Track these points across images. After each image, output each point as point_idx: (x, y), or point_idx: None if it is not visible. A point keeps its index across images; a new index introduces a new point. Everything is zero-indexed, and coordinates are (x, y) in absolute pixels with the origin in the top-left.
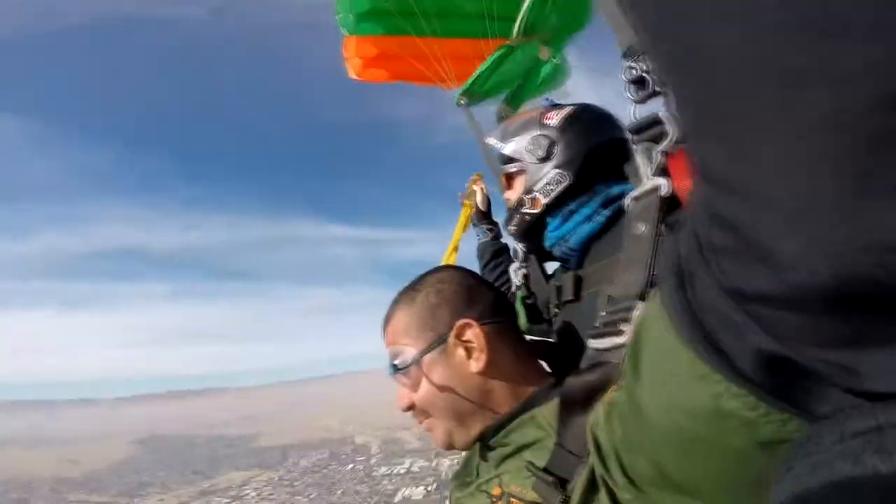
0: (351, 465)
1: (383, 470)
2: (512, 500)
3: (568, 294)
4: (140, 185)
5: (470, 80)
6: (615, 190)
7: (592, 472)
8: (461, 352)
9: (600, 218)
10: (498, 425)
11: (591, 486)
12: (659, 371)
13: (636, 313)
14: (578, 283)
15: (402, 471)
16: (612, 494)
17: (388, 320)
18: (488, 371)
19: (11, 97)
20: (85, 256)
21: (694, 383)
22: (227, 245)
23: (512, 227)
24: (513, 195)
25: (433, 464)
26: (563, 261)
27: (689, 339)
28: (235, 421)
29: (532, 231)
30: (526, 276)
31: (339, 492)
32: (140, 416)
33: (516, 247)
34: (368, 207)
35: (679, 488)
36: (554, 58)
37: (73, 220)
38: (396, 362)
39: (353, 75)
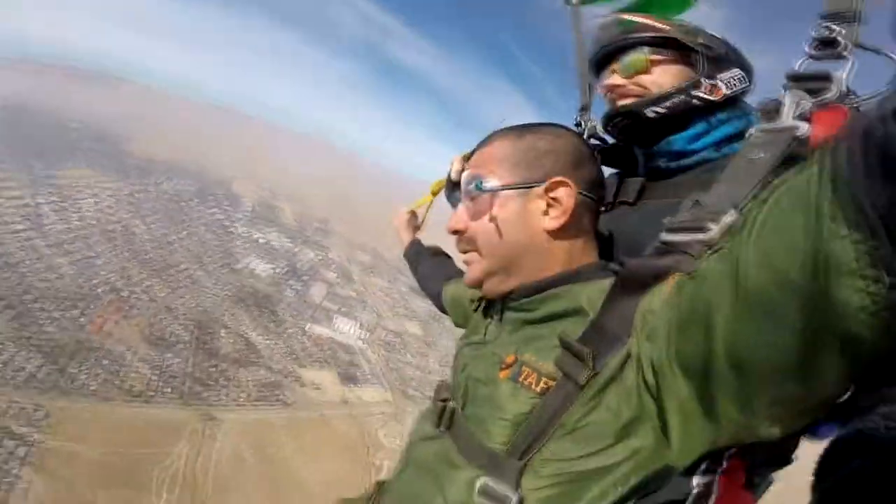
0: (213, 210)
1: (243, 230)
2: (524, 368)
3: (630, 196)
4: None
5: None
6: (753, 119)
7: (628, 352)
8: (541, 204)
9: (727, 150)
10: (533, 287)
11: (624, 365)
12: (783, 221)
13: (730, 216)
14: (642, 191)
15: (261, 239)
16: (640, 372)
17: (484, 144)
18: (557, 233)
19: None
20: None
21: (819, 222)
22: None
23: (662, 109)
24: (663, 79)
25: (297, 249)
26: (656, 170)
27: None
28: (119, 116)
29: (673, 123)
30: None
31: (185, 232)
32: (15, 83)
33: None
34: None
35: (721, 371)
36: None
37: None
38: (474, 184)
39: None
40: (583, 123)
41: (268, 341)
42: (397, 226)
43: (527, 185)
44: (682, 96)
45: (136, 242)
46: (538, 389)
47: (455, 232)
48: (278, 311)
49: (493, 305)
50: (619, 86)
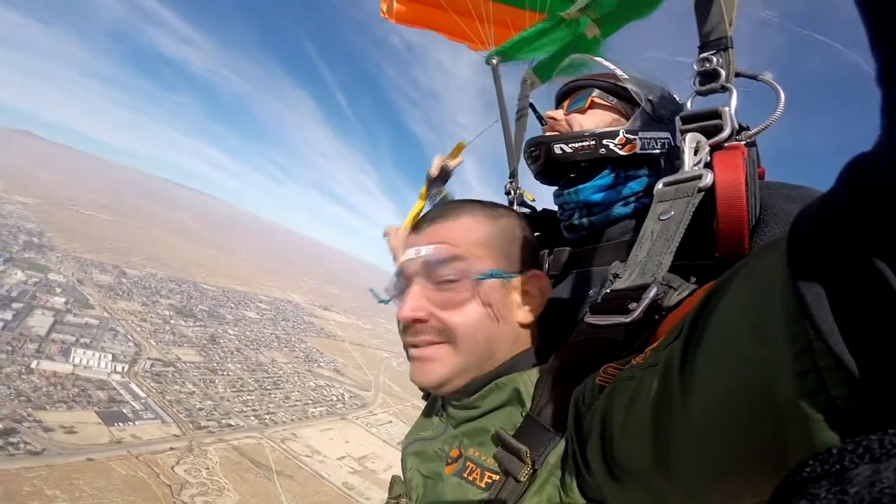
0: None
1: None
2: (468, 463)
3: (555, 269)
4: None
5: (509, 43)
6: (654, 178)
7: (566, 448)
8: (517, 296)
9: (637, 205)
10: (479, 383)
11: (563, 462)
12: (731, 360)
13: (651, 293)
14: (569, 261)
15: None
16: (578, 472)
17: (457, 215)
18: (526, 327)
19: None
20: None
21: (782, 371)
22: None
23: (569, 148)
24: (588, 122)
25: None
26: (574, 229)
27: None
28: None
29: (581, 170)
30: None
31: None
32: None
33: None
34: None
35: (666, 475)
36: (600, 38)
37: None
38: (456, 268)
39: (384, 13)
40: (511, 191)
41: None
42: (394, 247)
43: (510, 275)
44: (592, 141)
45: None
46: (483, 485)
47: (416, 321)
48: None
49: (434, 396)
50: (553, 118)
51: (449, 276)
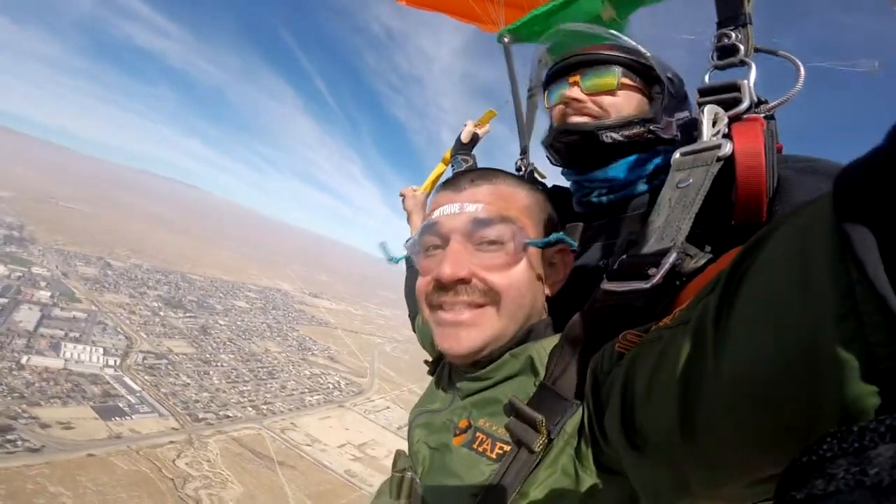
0: None
1: None
2: (478, 434)
3: (576, 243)
4: None
5: (521, 21)
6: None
7: (582, 417)
8: (546, 268)
9: (655, 181)
10: (496, 355)
11: (580, 431)
12: (772, 308)
13: (671, 258)
14: (586, 236)
15: None
16: (594, 442)
17: (500, 179)
18: (547, 299)
19: None
20: None
21: (826, 323)
22: None
23: (620, 136)
24: (624, 105)
25: None
26: (590, 204)
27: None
28: None
29: (615, 152)
30: None
31: None
32: None
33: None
34: None
35: (689, 441)
36: (617, 20)
37: None
38: (506, 230)
39: None
40: (523, 168)
41: None
42: (410, 208)
43: (546, 244)
44: (642, 128)
45: None
46: (493, 456)
47: (459, 280)
48: None
49: (441, 368)
50: (578, 100)
51: (498, 237)
